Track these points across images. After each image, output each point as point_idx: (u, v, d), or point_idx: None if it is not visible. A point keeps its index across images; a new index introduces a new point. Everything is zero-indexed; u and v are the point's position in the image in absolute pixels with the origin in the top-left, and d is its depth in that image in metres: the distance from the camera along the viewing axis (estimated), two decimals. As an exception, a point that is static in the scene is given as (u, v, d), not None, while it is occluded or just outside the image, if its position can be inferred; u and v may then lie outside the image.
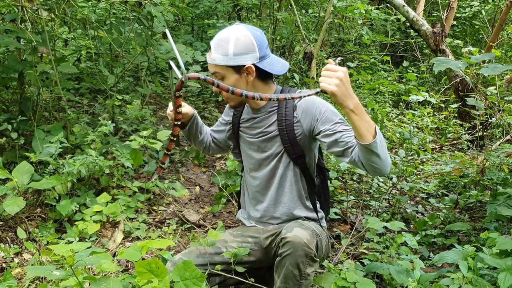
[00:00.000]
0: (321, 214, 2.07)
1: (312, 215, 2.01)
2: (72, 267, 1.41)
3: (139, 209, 3.02)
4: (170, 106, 1.89)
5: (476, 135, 4.53)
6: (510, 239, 2.06)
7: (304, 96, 1.59)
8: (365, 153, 1.56)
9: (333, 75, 1.48)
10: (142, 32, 3.97)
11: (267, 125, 1.93)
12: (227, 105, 2.08)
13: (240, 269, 1.92)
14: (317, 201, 2.06)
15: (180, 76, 1.57)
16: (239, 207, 2.25)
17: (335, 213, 2.97)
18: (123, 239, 2.68)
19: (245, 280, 1.92)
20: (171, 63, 1.63)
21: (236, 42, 1.75)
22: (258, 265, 2.03)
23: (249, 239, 2.01)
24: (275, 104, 1.91)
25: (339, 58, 1.63)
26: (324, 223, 2.09)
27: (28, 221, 2.68)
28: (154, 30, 3.83)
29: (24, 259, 2.43)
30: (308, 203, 2.01)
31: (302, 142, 1.89)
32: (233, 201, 3.16)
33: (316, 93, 1.57)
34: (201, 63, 5.48)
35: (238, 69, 1.79)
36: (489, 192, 3.26)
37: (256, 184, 2.02)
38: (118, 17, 4.47)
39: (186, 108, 1.94)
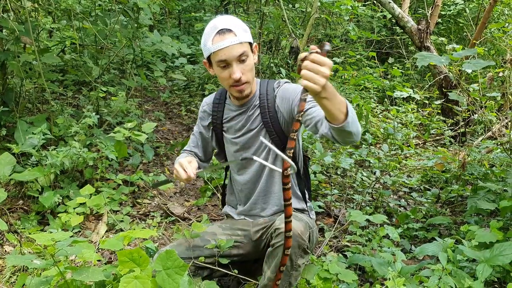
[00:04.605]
0: (310, 204, 2.08)
1: (301, 205, 2.02)
2: (54, 256, 1.40)
3: (123, 202, 3.00)
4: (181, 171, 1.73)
5: (459, 131, 4.60)
6: (489, 232, 2.11)
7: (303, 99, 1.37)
8: (337, 132, 1.48)
9: (320, 72, 1.26)
10: (128, 24, 3.93)
11: (251, 121, 1.91)
12: (202, 111, 2.05)
13: (224, 260, 1.92)
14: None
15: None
16: (223, 204, 2.22)
17: (319, 206, 2.99)
18: (106, 231, 2.67)
19: (230, 272, 1.92)
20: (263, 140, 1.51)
21: (239, 20, 1.77)
22: (246, 258, 2.03)
23: (238, 232, 1.99)
24: (260, 98, 1.89)
25: (327, 44, 1.31)
26: (313, 215, 2.10)
27: (10, 213, 2.64)
28: (140, 22, 3.80)
29: (6, 251, 2.40)
30: (298, 192, 2.01)
31: (287, 130, 1.88)
32: (218, 194, 3.15)
33: (303, 94, 1.34)
34: (188, 56, 5.46)
35: (251, 46, 1.79)
36: (470, 186, 3.31)
37: (246, 180, 1.99)
38: (104, 9, 4.42)
39: (194, 164, 1.82)
